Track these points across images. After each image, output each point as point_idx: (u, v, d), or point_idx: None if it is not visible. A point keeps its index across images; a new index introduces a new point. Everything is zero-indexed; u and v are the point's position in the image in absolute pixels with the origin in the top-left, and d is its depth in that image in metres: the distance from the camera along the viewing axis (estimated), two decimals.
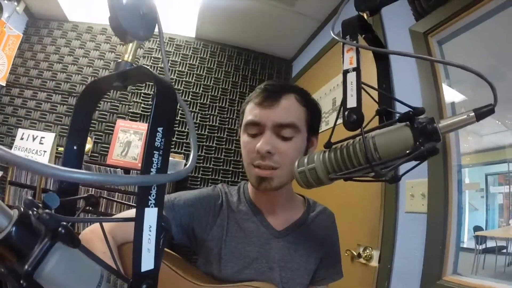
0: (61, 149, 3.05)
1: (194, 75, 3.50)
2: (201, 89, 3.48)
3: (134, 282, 0.33)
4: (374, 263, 1.71)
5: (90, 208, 0.45)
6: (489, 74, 1.27)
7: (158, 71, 3.41)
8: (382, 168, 0.55)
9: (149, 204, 0.33)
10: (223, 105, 3.51)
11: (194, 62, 3.53)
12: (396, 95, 1.77)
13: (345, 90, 0.55)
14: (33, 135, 3.10)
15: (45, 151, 3.02)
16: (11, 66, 3.32)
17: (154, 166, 0.33)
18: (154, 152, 0.33)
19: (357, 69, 0.55)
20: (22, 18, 3.40)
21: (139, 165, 3.02)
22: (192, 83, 3.47)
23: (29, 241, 0.29)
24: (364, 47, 0.56)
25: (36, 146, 3.05)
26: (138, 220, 0.32)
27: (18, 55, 3.37)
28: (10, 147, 3.11)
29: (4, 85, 3.29)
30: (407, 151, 0.52)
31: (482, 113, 0.51)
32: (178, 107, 0.38)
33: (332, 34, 0.60)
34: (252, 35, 3.45)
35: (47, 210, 0.29)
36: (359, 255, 1.81)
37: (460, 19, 1.45)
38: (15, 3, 3.14)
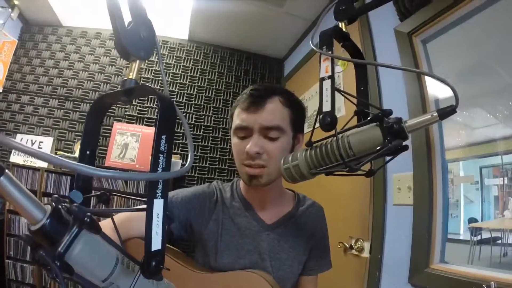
0: (60, 152, 3.10)
1: (188, 77, 3.55)
2: (195, 90, 3.54)
3: (146, 258, 0.40)
4: (366, 254, 1.78)
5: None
6: (477, 69, 1.32)
7: (152, 74, 3.46)
8: (356, 163, 0.62)
9: (157, 196, 0.40)
10: (217, 105, 3.57)
11: (187, 64, 3.58)
12: (382, 92, 1.85)
13: (321, 95, 0.62)
14: (31, 140, 3.16)
15: None
16: (7, 72, 3.35)
17: (160, 166, 0.40)
18: (160, 155, 0.40)
19: (332, 77, 0.62)
20: (17, 24, 3.43)
21: (137, 166, 3.08)
22: (186, 85, 3.52)
23: (60, 230, 0.35)
24: (338, 57, 0.63)
25: None
26: (149, 209, 0.40)
27: (13, 61, 3.40)
28: (10, 153, 3.16)
29: (1, 91, 3.32)
30: (377, 148, 0.59)
31: (444, 113, 0.58)
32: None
33: (311, 45, 0.67)
34: (243, 36, 3.51)
35: (75, 204, 0.37)
36: (351, 247, 1.88)
37: (443, 19, 1.50)
38: (9, 10, 3.16)
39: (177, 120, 0.45)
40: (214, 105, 3.56)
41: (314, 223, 1.22)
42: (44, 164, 3.02)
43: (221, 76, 3.66)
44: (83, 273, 0.38)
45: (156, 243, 0.39)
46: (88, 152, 0.51)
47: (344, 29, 0.76)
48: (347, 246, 1.90)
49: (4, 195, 0.33)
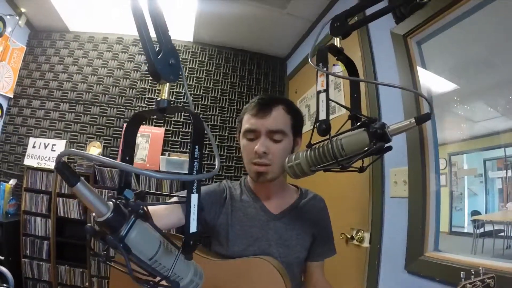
0: None
1: (194, 78, 3.66)
2: (202, 91, 3.65)
3: (186, 238, 0.52)
4: (366, 244, 1.90)
5: None
6: (476, 65, 1.38)
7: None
8: (348, 162, 0.74)
9: (193, 191, 0.52)
10: (223, 105, 3.68)
11: (193, 66, 3.70)
12: (380, 92, 1.95)
13: (317, 106, 0.74)
14: (44, 143, 3.29)
15: None
16: (17, 78, 3.48)
17: (195, 168, 0.52)
18: (194, 160, 0.52)
19: (327, 91, 0.74)
20: (24, 31, 3.56)
21: (148, 165, 3.21)
22: (193, 86, 3.63)
23: (120, 220, 0.47)
24: (332, 74, 0.75)
25: (48, 153, 3.23)
26: (188, 201, 0.52)
27: (23, 67, 3.53)
28: (23, 156, 3.28)
29: (12, 96, 3.45)
30: (365, 149, 0.71)
31: (420, 119, 0.70)
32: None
33: (310, 62, 0.78)
34: (247, 37, 3.62)
35: (131, 199, 0.48)
36: (352, 238, 2.00)
37: (437, 21, 1.58)
38: (17, 17, 3.28)
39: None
40: (220, 104, 3.67)
41: (316, 213, 1.36)
42: None
43: (226, 77, 3.77)
44: (135, 252, 0.49)
45: (193, 227, 0.51)
46: (127, 158, 0.62)
47: (338, 44, 0.88)
48: (349, 236, 2.02)
49: (79, 196, 0.45)
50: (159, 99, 0.57)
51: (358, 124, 0.75)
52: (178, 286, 0.57)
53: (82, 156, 0.40)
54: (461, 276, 0.92)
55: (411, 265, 1.54)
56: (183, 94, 3.59)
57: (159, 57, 0.57)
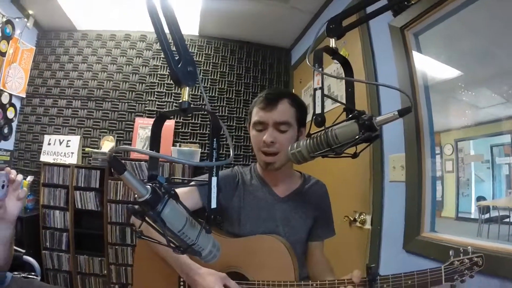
0: (87, 149, 3.36)
1: (201, 71, 3.76)
2: (209, 83, 3.76)
3: (208, 212, 0.64)
4: (368, 226, 2.01)
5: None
6: (476, 53, 1.43)
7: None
8: (341, 149, 0.86)
9: (213, 175, 0.64)
10: (230, 96, 3.78)
11: (200, 59, 3.79)
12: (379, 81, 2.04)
13: (314, 101, 0.86)
14: (59, 140, 3.41)
15: (72, 153, 3.34)
16: (29, 78, 3.59)
17: (214, 157, 0.64)
18: (213, 150, 0.64)
19: (322, 88, 0.85)
20: (33, 32, 3.65)
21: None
22: (201, 79, 3.69)
23: (156, 200, 0.59)
24: (327, 74, 0.86)
25: (63, 149, 3.36)
26: (209, 183, 0.64)
27: (33, 67, 3.65)
28: (39, 153, 3.42)
29: (24, 96, 3.57)
30: (355, 137, 0.83)
31: (402, 112, 0.82)
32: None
33: (308, 63, 0.90)
34: (251, 29, 3.70)
35: (165, 183, 0.61)
36: (355, 220, 2.11)
37: (434, 13, 1.61)
38: (25, 19, 3.38)
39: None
40: (227, 96, 3.77)
41: (318, 197, 1.50)
42: (73, 161, 3.27)
43: (232, 69, 3.85)
44: (168, 225, 0.62)
45: (213, 203, 0.64)
46: (154, 151, 0.74)
47: (334, 45, 0.99)
48: (352, 219, 2.13)
49: (125, 182, 0.57)
50: (180, 101, 0.69)
51: (350, 116, 0.87)
52: (200, 255, 0.70)
53: (131, 150, 0.52)
54: (450, 254, 1.03)
55: (408, 245, 1.64)
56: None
57: (179, 65, 0.69)
